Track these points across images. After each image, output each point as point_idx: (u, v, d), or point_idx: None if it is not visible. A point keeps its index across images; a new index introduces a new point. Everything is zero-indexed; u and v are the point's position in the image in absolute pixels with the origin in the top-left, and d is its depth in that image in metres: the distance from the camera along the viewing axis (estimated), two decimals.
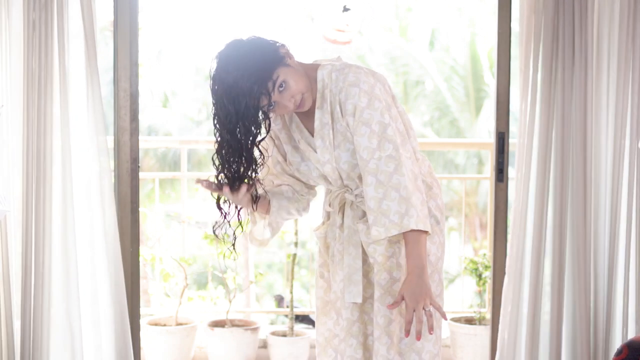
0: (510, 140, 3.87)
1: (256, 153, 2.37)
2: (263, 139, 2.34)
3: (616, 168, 3.53)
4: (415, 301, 2.27)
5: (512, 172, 3.88)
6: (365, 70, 2.37)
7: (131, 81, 3.59)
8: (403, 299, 2.29)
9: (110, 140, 3.63)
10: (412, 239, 2.30)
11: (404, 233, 2.30)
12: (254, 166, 2.36)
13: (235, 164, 2.34)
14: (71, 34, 3.42)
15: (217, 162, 2.36)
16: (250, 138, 2.30)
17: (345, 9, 4.76)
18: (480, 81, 11.99)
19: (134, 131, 3.61)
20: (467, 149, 11.73)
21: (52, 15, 3.36)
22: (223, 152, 2.33)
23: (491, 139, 7.77)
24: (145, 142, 5.77)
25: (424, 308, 2.27)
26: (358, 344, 2.47)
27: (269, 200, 2.53)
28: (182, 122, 12.16)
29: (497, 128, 3.71)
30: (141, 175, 3.86)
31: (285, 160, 2.55)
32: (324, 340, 2.58)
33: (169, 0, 12.19)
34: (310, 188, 2.61)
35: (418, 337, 2.26)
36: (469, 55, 12.00)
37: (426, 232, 2.31)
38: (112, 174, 3.59)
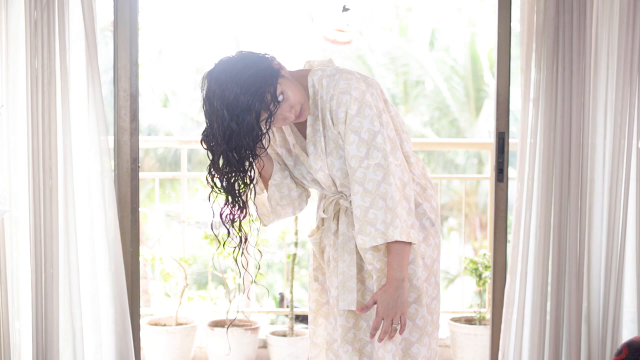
0: (510, 140, 3.87)
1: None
2: (259, 156, 2.33)
3: (615, 168, 3.53)
4: (386, 313, 2.31)
5: (512, 172, 3.88)
6: (356, 76, 2.35)
7: (131, 81, 3.59)
8: (375, 303, 2.33)
9: (110, 140, 3.63)
10: (396, 249, 2.30)
11: (388, 242, 2.30)
12: (252, 179, 2.37)
13: (233, 179, 2.34)
14: (72, 34, 3.42)
15: (216, 182, 2.35)
16: (251, 155, 2.30)
17: (345, 9, 4.76)
18: (480, 81, 11.99)
19: (134, 131, 3.61)
20: (467, 149, 11.72)
21: (53, 14, 3.35)
22: (224, 170, 2.32)
23: (491, 139, 7.78)
24: (145, 142, 5.76)
25: (392, 321, 2.32)
26: (354, 351, 2.46)
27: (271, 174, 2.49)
28: (182, 122, 12.14)
29: (497, 128, 3.71)
30: (141, 175, 3.86)
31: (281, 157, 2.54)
32: (326, 344, 2.57)
33: (169, 0, 12.18)
34: (305, 189, 2.60)
35: (379, 341, 2.34)
36: (469, 55, 11.99)
37: (410, 243, 2.31)
38: (113, 174, 3.59)
